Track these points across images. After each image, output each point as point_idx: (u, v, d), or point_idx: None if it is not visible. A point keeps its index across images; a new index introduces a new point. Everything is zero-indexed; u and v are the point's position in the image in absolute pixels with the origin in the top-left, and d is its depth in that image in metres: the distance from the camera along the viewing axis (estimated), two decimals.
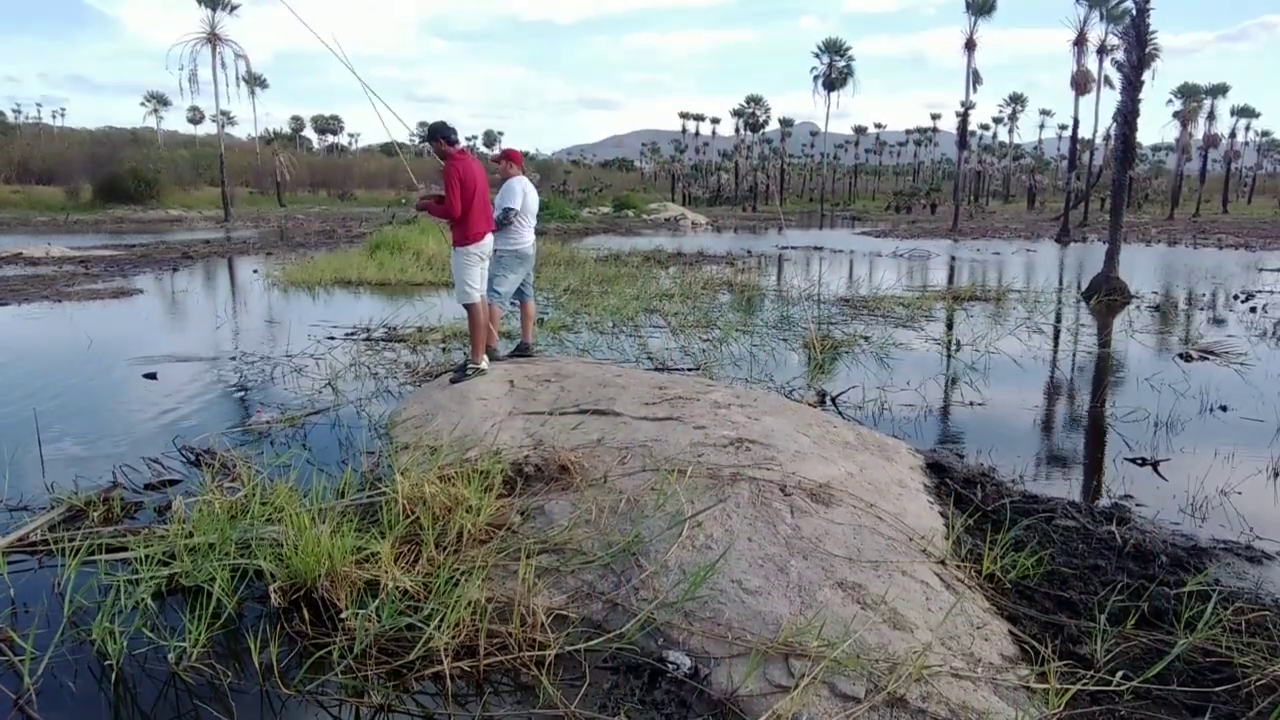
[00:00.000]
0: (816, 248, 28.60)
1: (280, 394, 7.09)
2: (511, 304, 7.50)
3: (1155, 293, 15.58)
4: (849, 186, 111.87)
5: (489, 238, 6.64)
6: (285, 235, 30.94)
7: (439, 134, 6.53)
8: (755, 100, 79.88)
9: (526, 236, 7.14)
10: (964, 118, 45.31)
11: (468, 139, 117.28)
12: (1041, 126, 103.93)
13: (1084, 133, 51.44)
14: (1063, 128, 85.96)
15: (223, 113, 45.73)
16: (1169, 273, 20.35)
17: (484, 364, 6.71)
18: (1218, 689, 2.90)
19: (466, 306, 6.60)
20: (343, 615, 3.22)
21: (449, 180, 6.34)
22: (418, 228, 20.30)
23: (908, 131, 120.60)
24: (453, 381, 6.51)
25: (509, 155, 7.27)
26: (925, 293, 15.01)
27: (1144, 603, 3.43)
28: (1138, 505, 4.82)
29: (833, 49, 60.22)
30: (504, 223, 6.88)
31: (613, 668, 2.99)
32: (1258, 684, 2.90)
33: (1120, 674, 2.92)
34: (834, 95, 59.73)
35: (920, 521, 4.07)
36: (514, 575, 3.38)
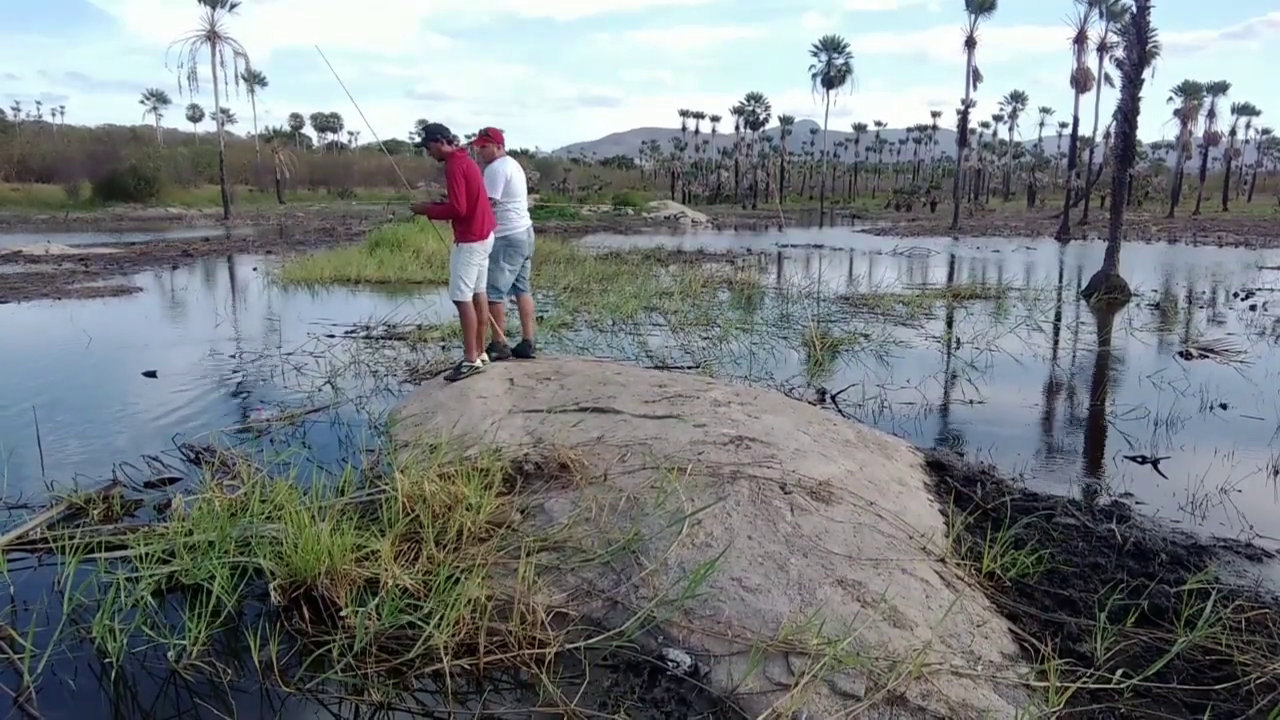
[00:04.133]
0: (816, 246, 28.59)
1: (280, 392, 7.09)
2: (511, 302, 7.40)
3: (1155, 290, 15.57)
4: (849, 184, 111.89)
5: (493, 235, 6.60)
6: (285, 233, 30.92)
7: (438, 134, 6.50)
8: (756, 98, 79.82)
9: (518, 223, 6.84)
10: (964, 115, 45.25)
11: (466, 136, 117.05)
12: (1042, 124, 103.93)
13: (1084, 130, 51.50)
14: (1063, 125, 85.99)
15: (222, 110, 45.70)
16: (1169, 270, 20.35)
17: (479, 363, 6.66)
18: (1218, 687, 2.90)
19: (457, 304, 6.55)
20: (343, 613, 3.22)
21: (453, 177, 6.29)
22: (417, 225, 20.29)
23: (908, 129, 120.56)
24: (449, 380, 6.49)
25: (488, 135, 6.91)
26: (925, 291, 15.01)
27: (1144, 601, 3.43)
28: (1138, 503, 4.82)
29: (831, 46, 60.20)
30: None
31: (612, 665, 2.99)
32: (1258, 682, 2.89)
33: (1120, 672, 2.91)
34: (833, 93, 59.78)
35: (920, 519, 4.07)
36: (514, 573, 3.37)
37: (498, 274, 6.83)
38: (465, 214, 6.31)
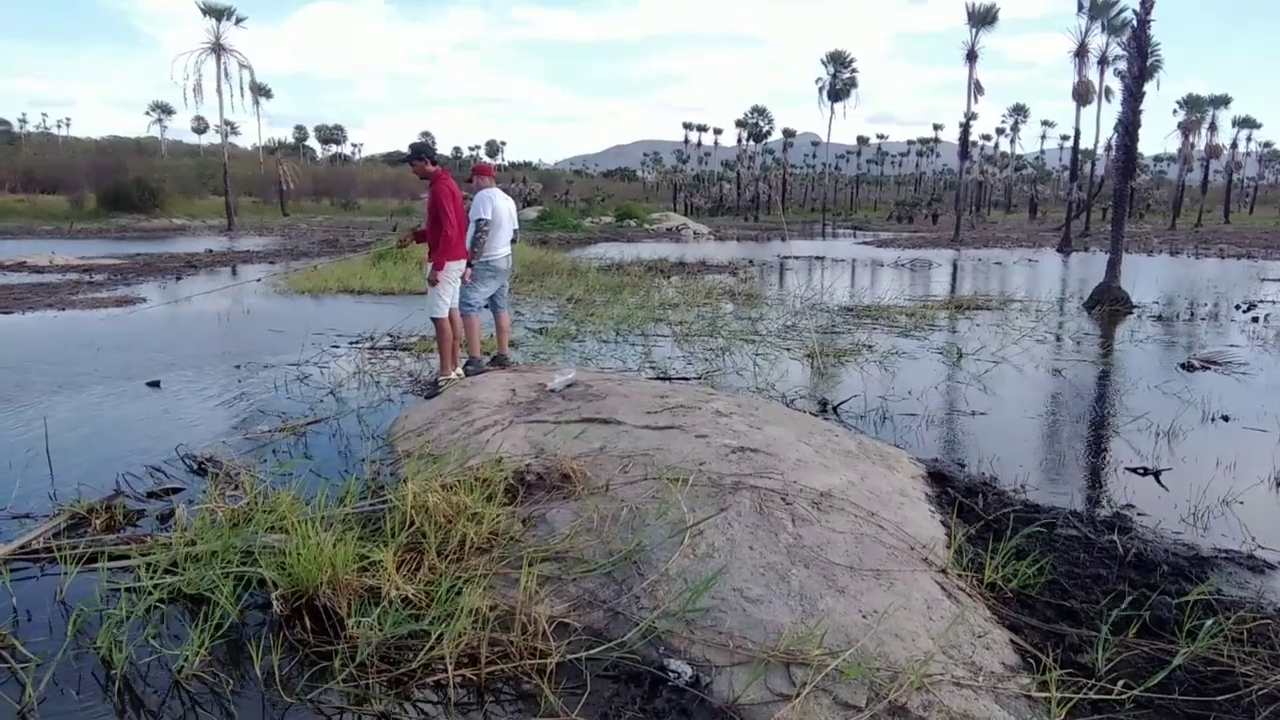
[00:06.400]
0: (818, 257, 28.65)
1: (284, 402, 7.11)
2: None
3: (1157, 302, 15.58)
4: (851, 196, 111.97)
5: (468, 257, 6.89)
6: (289, 244, 31.01)
7: (424, 154, 6.66)
8: (759, 111, 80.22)
9: (499, 250, 7.12)
10: (965, 128, 45.43)
11: (470, 148, 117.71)
12: (1043, 137, 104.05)
13: (1086, 143, 51.68)
14: (1064, 138, 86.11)
15: (226, 122, 45.93)
16: (1171, 283, 20.35)
17: (454, 375, 6.92)
18: (1219, 698, 2.90)
19: (434, 320, 6.79)
20: (347, 623, 3.22)
21: (440, 198, 6.51)
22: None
23: (909, 142, 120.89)
24: (427, 398, 6.62)
25: (479, 170, 7.29)
26: (927, 302, 15.03)
27: (1146, 612, 3.43)
28: (1139, 514, 4.81)
29: (837, 60, 60.53)
30: (476, 235, 6.89)
31: (614, 676, 2.99)
32: (1259, 693, 2.89)
33: (1122, 683, 2.91)
34: (838, 105, 60.10)
35: (922, 530, 4.07)
36: (516, 583, 3.38)
37: (470, 291, 7.06)
38: (454, 233, 6.52)
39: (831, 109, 59.96)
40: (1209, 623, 3.21)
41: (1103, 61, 43.05)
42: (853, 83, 60.16)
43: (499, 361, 7.46)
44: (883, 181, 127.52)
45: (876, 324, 12.16)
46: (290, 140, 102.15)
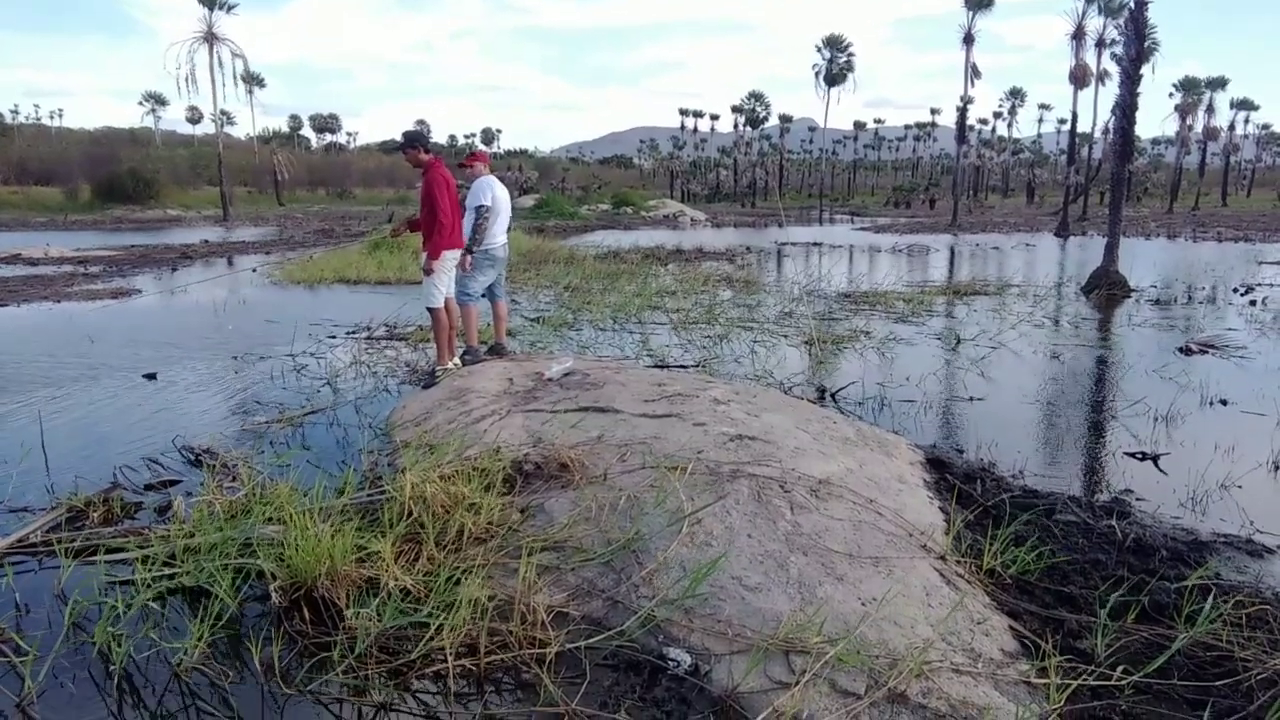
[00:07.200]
0: (816, 243, 28.61)
1: (280, 393, 7.09)
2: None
3: (1155, 286, 15.57)
4: (848, 182, 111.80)
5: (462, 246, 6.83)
6: (284, 234, 30.92)
7: (417, 142, 6.59)
8: (756, 96, 79.89)
9: (497, 238, 7.04)
10: (962, 112, 45.33)
11: (465, 136, 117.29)
12: (1040, 121, 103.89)
13: (1083, 127, 51.45)
14: (1061, 122, 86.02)
15: (222, 112, 45.69)
16: (1169, 266, 20.34)
17: (451, 365, 6.89)
18: (1219, 683, 2.90)
19: (430, 310, 6.75)
20: (346, 614, 3.21)
21: (435, 187, 6.45)
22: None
23: (906, 126, 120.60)
24: (424, 388, 6.59)
25: (475, 156, 7.19)
26: (925, 288, 15.01)
27: (1144, 597, 3.43)
28: (1138, 499, 4.82)
29: (834, 44, 60.26)
30: (478, 221, 6.81)
31: (613, 665, 2.99)
32: (1258, 678, 2.89)
33: (1121, 668, 2.91)
34: (834, 90, 59.88)
35: (920, 517, 4.07)
36: (514, 573, 3.37)
37: (469, 280, 6.97)
38: (448, 222, 6.46)
39: (828, 94, 59.80)
40: (1208, 607, 3.22)
41: (1100, 44, 42.93)
42: (849, 67, 59.94)
43: (496, 351, 7.44)
44: (880, 166, 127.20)
45: (874, 310, 12.15)
46: (285, 130, 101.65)
